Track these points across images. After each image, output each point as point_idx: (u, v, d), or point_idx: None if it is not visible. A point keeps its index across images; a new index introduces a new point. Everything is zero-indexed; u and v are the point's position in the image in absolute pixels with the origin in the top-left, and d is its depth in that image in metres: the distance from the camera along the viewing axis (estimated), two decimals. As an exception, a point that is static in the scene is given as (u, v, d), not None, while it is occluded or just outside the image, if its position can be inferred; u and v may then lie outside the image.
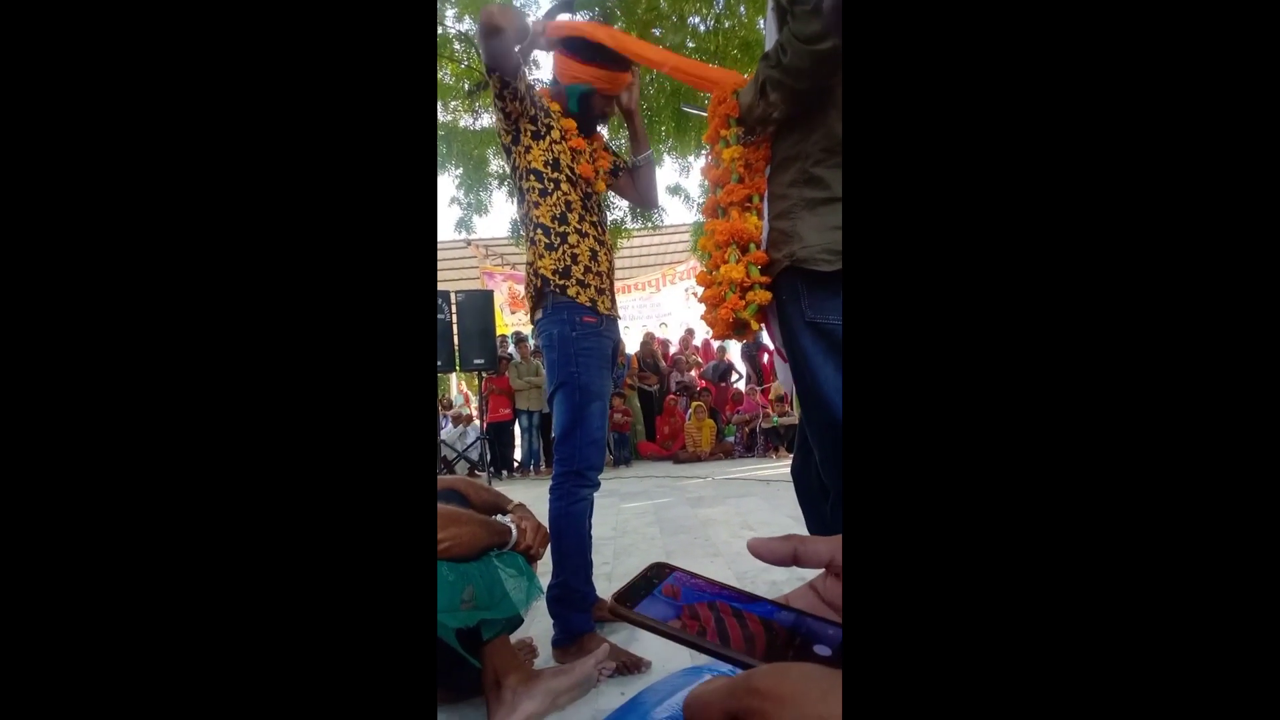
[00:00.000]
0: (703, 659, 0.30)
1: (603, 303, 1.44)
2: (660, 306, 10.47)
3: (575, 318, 1.39)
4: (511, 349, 5.96)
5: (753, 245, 1.02)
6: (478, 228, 5.64)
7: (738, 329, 1.07)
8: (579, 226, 1.42)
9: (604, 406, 1.44)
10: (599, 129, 1.59)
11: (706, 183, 1.15)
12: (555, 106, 1.46)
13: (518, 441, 5.89)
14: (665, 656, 1.33)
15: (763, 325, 1.10)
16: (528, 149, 1.41)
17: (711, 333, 1.11)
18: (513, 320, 9.09)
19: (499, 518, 1.11)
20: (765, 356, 6.40)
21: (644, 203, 1.68)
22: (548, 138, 1.42)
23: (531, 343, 5.76)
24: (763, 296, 1.01)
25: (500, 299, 8.60)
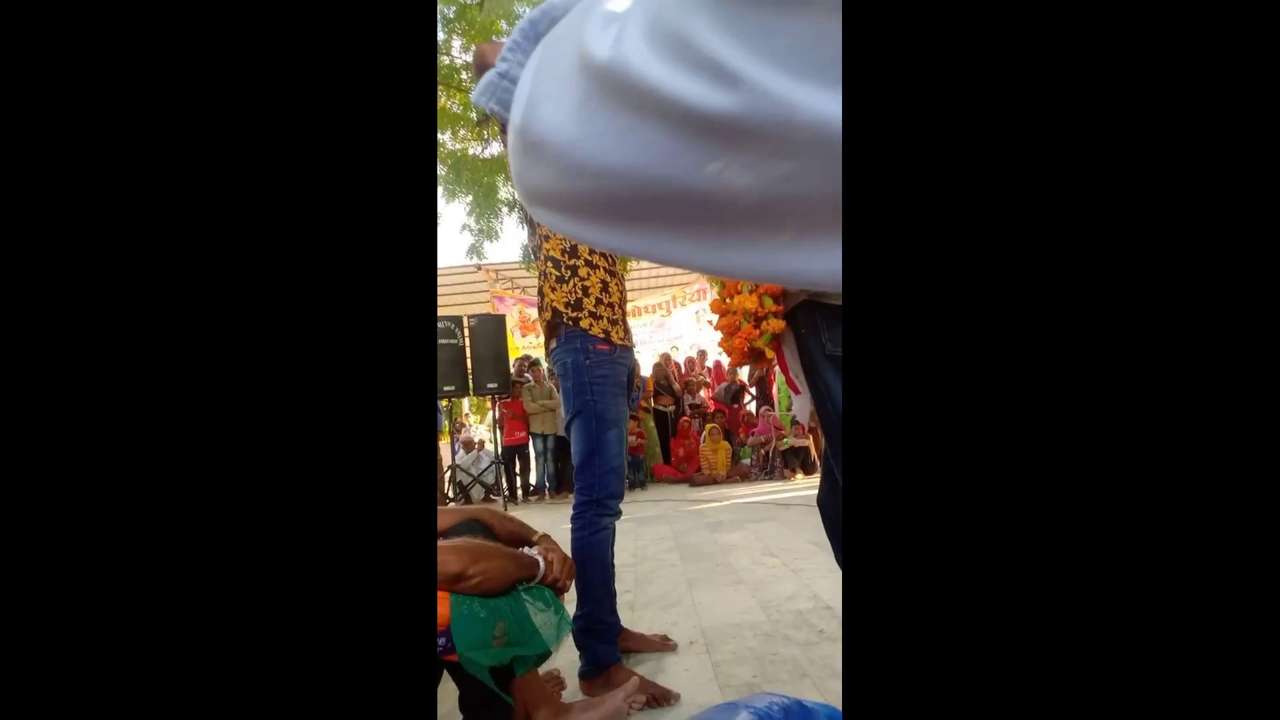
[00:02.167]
0: (738, 690, 0.29)
1: (615, 333, 1.44)
2: (671, 330, 10.47)
3: (588, 346, 1.40)
4: (525, 373, 5.98)
5: None
6: (488, 253, 5.69)
7: (754, 357, 1.07)
8: (589, 258, 1.43)
9: (621, 434, 1.43)
10: None
11: None
12: None
13: (533, 465, 5.88)
14: (694, 689, 1.30)
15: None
16: None
17: (728, 359, 1.12)
18: (523, 344, 9.13)
19: (526, 550, 1.10)
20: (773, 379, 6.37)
21: None
22: None
23: (545, 366, 5.78)
24: (776, 325, 1.01)
25: (511, 322, 8.64)
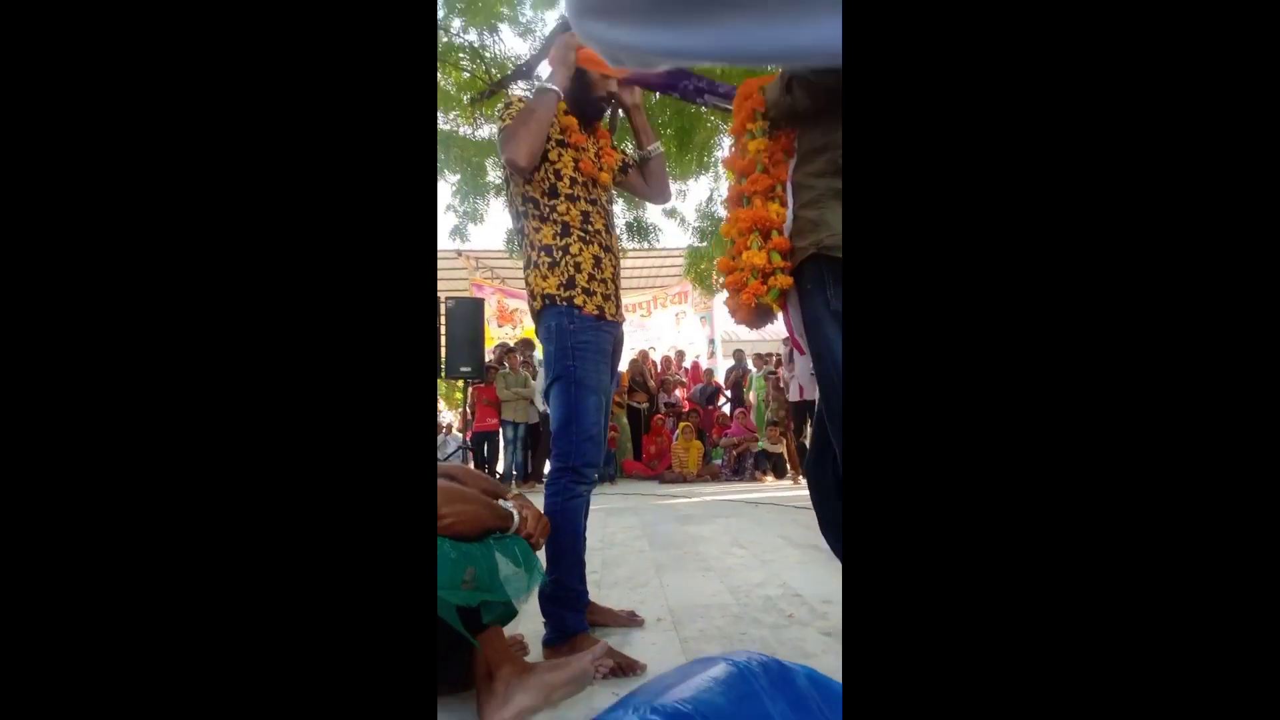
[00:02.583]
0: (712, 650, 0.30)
1: (608, 309, 1.41)
2: (650, 331, 10.48)
3: (574, 311, 1.36)
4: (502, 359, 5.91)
5: (775, 232, 1.03)
6: (472, 238, 5.63)
7: (760, 314, 1.06)
8: (582, 234, 1.39)
9: (600, 403, 1.39)
10: (601, 125, 1.56)
11: (729, 175, 1.16)
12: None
13: (501, 452, 5.81)
14: (661, 662, 1.28)
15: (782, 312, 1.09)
16: (526, 179, 1.39)
17: (734, 318, 1.10)
18: (499, 334, 9.05)
19: (500, 502, 1.07)
20: (747, 380, 6.41)
21: (656, 197, 1.66)
22: (543, 168, 1.38)
23: (522, 357, 5.72)
24: (784, 281, 1.01)
25: (489, 311, 8.56)
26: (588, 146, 1.45)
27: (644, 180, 1.60)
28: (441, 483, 0.97)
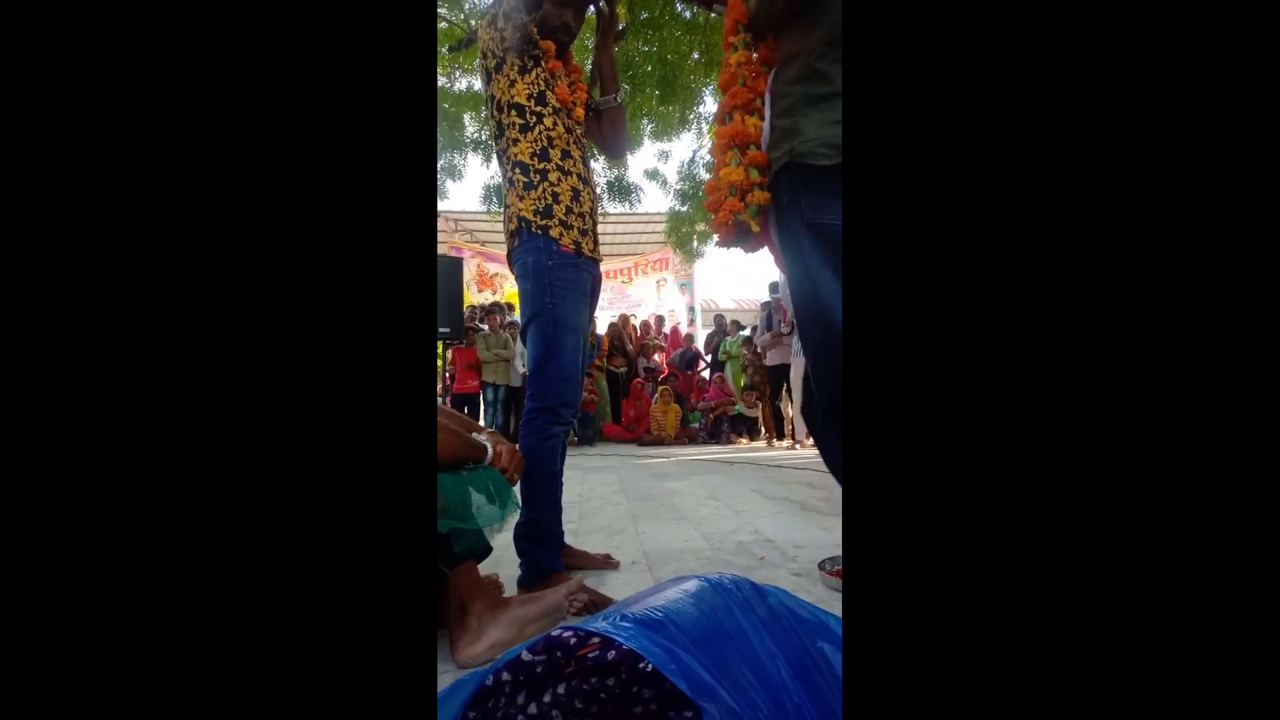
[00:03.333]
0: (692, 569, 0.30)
1: (585, 244, 1.38)
2: (630, 297, 10.43)
3: (552, 247, 1.32)
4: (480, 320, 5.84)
5: (752, 146, 1.01)
6: (451, 196, 5.50)
7: (739, 233, 1.04)
8: (561, 164, 1.35)
9: (579, 341, 1.37)
10: (573, 60, 1.51)
11: (720, 93, 1.14)
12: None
13: (482, 415, 5.78)
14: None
15: (762, 229, 1.08)
16: (512, 82, 1.34)
17: (716, 239, 1.09)
18: (479, 299, 8.93)
19: (474, 435, 1.05)
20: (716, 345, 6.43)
21: (611, 149, 1.61)
22: (534, 71, 1.35)
23: (500, 317, 5.65)
24: (761, 197, 0.99)
25: (468, 275, 8.43)
26: (561, 72, 1.41)
27: (599, 129, 1.56)
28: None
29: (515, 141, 1.35)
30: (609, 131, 1.56)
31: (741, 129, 1.01)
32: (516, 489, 1.15)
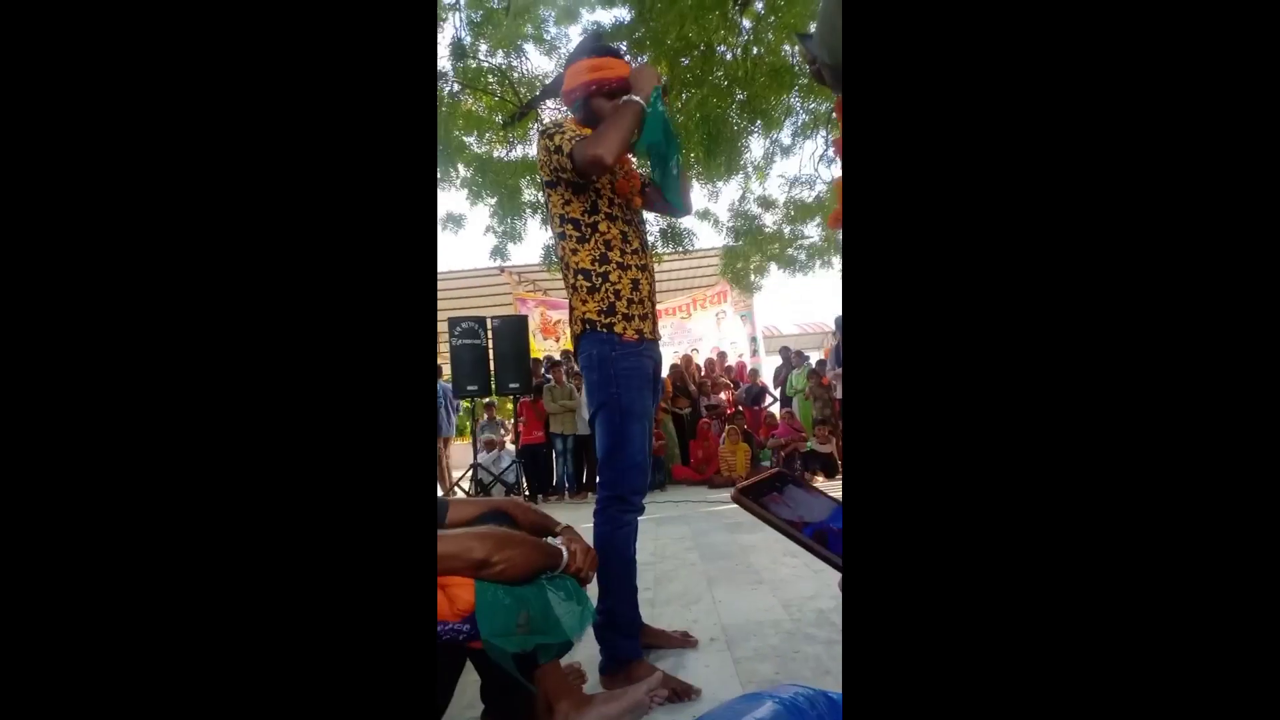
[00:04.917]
0: (760, 686, 0.30)
1: (646, 328, 1.43)
2: (691, 332, 10.46)
3: (615, 340, 1.38)
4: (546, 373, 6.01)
5: None
6: (512, 255, 5.74)
7: None
8: (621, 260, 1.41)
9: (645, 428, 1.42)
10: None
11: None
12: (585, 131, 1.41)
13: (554, 465, 5.90)
14: (716, 685, 1.30)
15: None
16: (567, 201, 1.41)
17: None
18: (544, 346, 9.18)
19: (549, 540, 1.11)
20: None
21: (674, 212, 1.67)
22: (590, 189, 1.41)
23: (565, 366, 5.80)
24: None
25: (533, 325, 8.69)
26: (619, 167, 1.46)
27: (660, 199, 1.60)
28: (494, 528, 1.02)
29: (575, 251, 1.42)
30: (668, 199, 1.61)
31: None
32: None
